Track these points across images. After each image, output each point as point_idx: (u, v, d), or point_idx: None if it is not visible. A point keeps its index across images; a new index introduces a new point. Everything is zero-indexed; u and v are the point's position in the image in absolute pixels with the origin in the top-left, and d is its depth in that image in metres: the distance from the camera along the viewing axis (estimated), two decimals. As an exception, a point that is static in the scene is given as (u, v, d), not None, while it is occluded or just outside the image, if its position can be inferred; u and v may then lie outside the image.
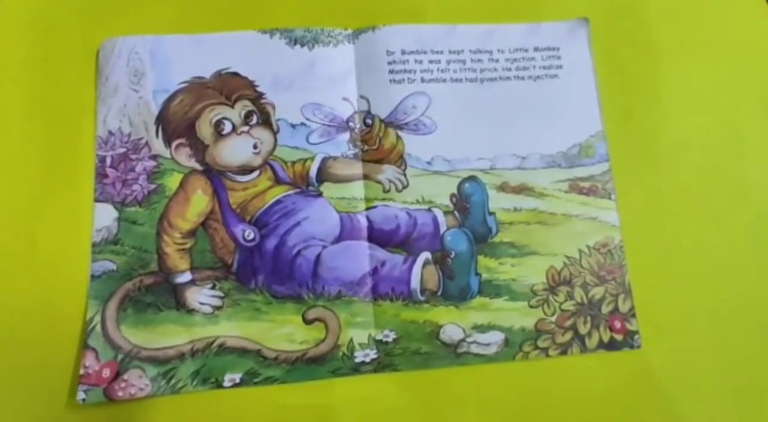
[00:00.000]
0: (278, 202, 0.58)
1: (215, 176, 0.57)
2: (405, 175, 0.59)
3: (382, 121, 0.60)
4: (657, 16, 0.65)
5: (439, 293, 0.56)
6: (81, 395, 0.51)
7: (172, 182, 0.57)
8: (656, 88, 0.63)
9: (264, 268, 0.56)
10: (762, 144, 0.62)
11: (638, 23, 0.65)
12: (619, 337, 0.56)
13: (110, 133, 0.58)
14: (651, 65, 0.64)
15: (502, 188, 0.59)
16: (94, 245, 0.55)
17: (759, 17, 0.66)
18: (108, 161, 0.57)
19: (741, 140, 0.62)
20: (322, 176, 0.59)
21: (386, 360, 0.54)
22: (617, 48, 0.64)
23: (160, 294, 0.54)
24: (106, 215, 0.55)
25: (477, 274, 0.57)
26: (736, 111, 0.63)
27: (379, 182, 0.58)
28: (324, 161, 0.59)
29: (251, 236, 0.56)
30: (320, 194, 0.58)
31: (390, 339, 0.55)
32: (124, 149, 0.57)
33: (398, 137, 0.60)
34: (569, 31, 0.64)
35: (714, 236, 0.59)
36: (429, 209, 0.58)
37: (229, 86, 0.59)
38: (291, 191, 0.58)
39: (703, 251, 0.59)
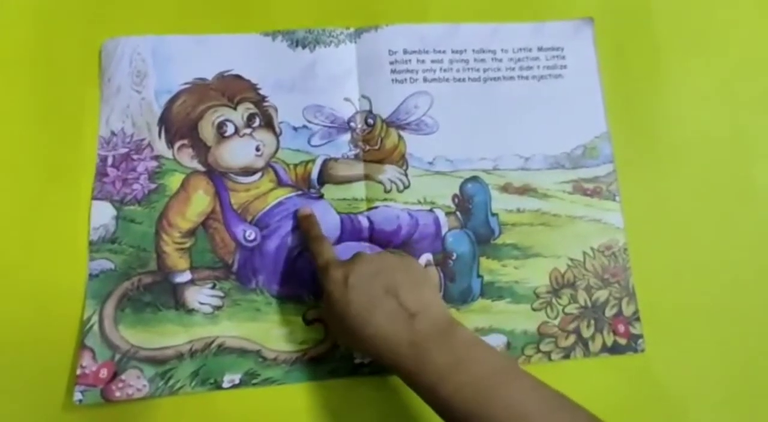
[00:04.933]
0: (280, 204, 0.57)
1: (217, 177, 0.57)
2: (406, 175, 0.58)
3: (383, 121, 0.59)
4: (662, 16, 0.65)
5: (440, 296, 0.56)
6: (78, 395, 0.50)
7: (174, 182, 0.57)
8: (661, 89, 0.63)
9: (265, 268, 0.56)
10: (768, 145, 0.62)
11: (643, 23, 0.64)
12: (622, 341, 0.55)
13: (113, 133, 0.58)
14: (656, 66, 0.63)
15: (505, 188, 0.59)
16: (91, 243, 0.55)
17: (762, 16, 0.66)
18: (109, 160, 0.57)
19: (747, 141, 0.61)
20: (324, 177, 0.58)
21: (385, 362, 0.54)
22: (622, 48, 0.63)
23: (159, 294, 0.54)
24: (103, 213, 0.55)
25: (479, 276, 0.56)
26: (742, 112, 0.62)
27: (380, 182, 0.58)
28: (325, 162, 0.59)
29: (252, 236, 0.56)
30: (321, 196, 0.58)
31: (389, 341, 0.54)
32: (126, 149, 0.57)
33: (400, 137, 0.59)
34: (574, 30, 0.63)
35: (720, 239, 0.59)
36: (431, 210, 0.58)
37: (232, 88, 0.59)
38: (293, 193, 0.58)
39: (708, 254, 0.58)
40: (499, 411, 0.40)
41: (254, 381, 0.53)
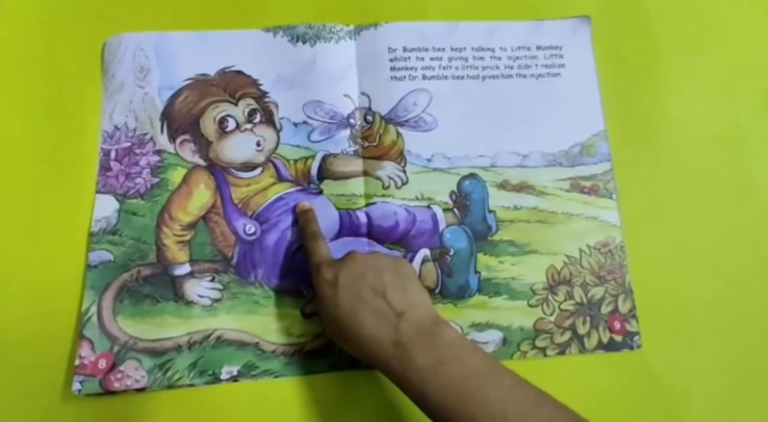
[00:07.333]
0: (280, 199, 0.58)
1: (218, 171, 0.58)
2: (405, 172, 0.59)
3: (382, 117, 0.60)
4: (659, 14, 0.65)
5: (437, 291, 0.56)
6: (76, 385, 0.51)
7: (176, 176, 0.58)
8: (659, 87, 0.63)
9: (264, 262, 0.56)
10: (765, 143, 0.61)
11: (640, 22, 0.65)
12: (618, 338, 0.56)
13: (116, 128, 0.59)
14: (653, 64, 0.64)
15: (503, 186, 0.59)
16: (91, 235, 0.55)
17: (761, 16, 0.66)
18: (112, 154, 0.58)
19: (744, 139, 0.62)
20: (323, 173, 0.59)
21: (382, 356, 0.54)
22: (620, 46, 0.64)
23: (158, 286, 0.54)
24: (106, 206, 0.56)
25: (476, 272, 0.57)
26: (739, 110, 0.62)
27: (378, 178, 0.58)
28: (324, 158, 0.59)
29: (252, 230, 0.57)
30: (321, 192, 0.58)
31: (387, 335, 0.55)
32: (129, 144, 0.58)
33: (398, 134, 0.60)
34: (572, 29, 0.64)
35: (716, 237, 0.59)
36: (428, 206, 0.58)
37: (233, 84, 0.60)
38: (292, 189, 0.58)
39: (705, 251, 0.58)
40: (479, 410, 0.40)
41: (252, 373, 0.53)
